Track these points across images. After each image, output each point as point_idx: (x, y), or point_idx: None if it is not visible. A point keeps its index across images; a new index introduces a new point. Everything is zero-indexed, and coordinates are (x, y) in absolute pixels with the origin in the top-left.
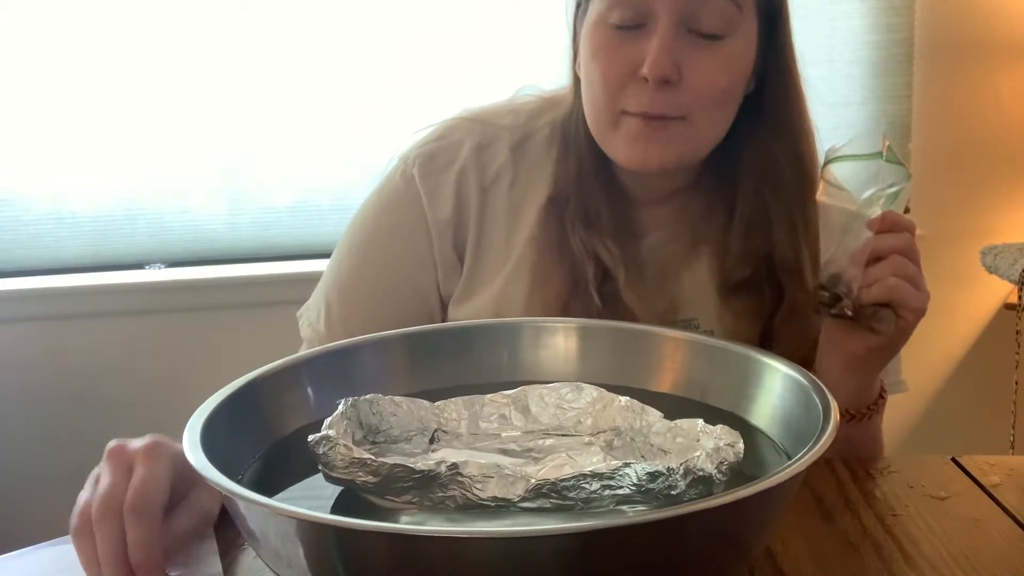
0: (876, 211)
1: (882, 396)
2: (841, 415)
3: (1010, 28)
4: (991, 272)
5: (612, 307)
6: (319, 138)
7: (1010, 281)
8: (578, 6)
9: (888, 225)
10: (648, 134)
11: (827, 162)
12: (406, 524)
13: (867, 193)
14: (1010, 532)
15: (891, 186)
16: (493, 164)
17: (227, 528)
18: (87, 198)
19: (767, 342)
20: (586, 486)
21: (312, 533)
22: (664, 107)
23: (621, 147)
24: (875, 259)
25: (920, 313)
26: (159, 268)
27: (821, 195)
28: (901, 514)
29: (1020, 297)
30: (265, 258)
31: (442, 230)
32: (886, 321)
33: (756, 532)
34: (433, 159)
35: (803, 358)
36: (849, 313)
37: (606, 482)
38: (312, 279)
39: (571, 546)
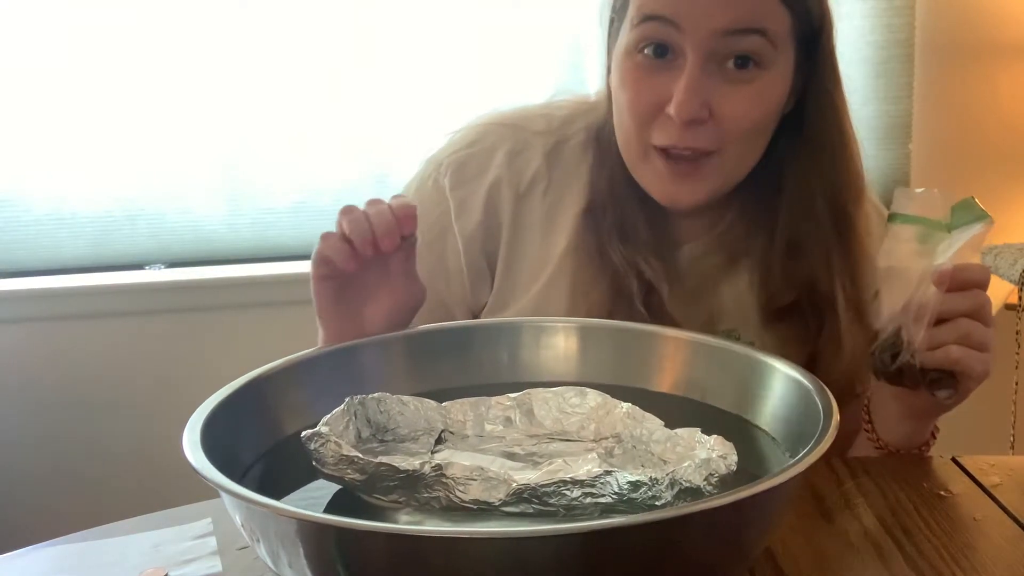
0: (944, 260)
1: (934, 435)
2: (891, 454)
3: (1010, 28)
4: (991, 272)
5: (657, 319)
6: (319, 138)
7: (1010, 281)
8: (611, 22)
9: (958, 283)
10: (677, 175)
11: (890, 217)
12: (406, 524)
13: (937, 243)
14: (1010, 532)
15: (966, 229)
16: (527, 171)
17: (227, 528)
18: (87, 198)
19: (813, 364)
20: (567, 493)
21: (312, 533)
22: (692, 142)
23: (651, 183)
24: (940, 320)
25: (983, 378)
26: (159, 268)
27: (883, 258)
28: (901, 514)
29: (1020, 297)
30: (265, 258)
31: (470, 239)
32: (946, 387)
33: (756, 532)
34: (464, 168)
35: (849, 380)
36: (907, 384)
37: (587, 490)
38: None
39: (571, 546)
